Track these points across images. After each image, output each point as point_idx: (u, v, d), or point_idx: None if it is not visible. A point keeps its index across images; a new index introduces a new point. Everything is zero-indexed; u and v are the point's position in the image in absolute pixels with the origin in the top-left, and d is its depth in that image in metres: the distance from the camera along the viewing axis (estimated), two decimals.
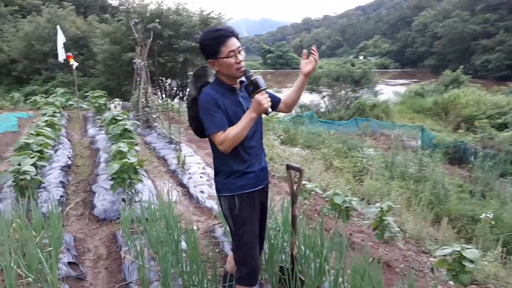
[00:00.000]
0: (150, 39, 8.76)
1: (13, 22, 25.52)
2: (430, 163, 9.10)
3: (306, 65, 2.16)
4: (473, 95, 20.18)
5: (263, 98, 1.84)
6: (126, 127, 5.31)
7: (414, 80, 45.52)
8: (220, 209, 2.25)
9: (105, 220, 3.64)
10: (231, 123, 1.90)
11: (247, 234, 2.06)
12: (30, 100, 12.93)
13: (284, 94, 2.30)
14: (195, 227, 3.60)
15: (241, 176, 2.01)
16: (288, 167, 2.35)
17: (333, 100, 21.36)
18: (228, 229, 2.17)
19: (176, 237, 2.92)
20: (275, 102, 2.20)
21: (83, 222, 3.63)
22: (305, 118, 15.73)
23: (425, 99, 23.17)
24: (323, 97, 21.73)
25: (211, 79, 2.04)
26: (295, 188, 2.34)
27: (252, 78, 1.86)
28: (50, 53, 18.86)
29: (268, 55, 74.22)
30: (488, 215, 5.78)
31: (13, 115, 9.89)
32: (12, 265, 2.09)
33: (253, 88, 1.84)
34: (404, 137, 13.36)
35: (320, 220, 4.04)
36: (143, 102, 8.68)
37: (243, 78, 1.95)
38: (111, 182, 3.89)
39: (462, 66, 28.67)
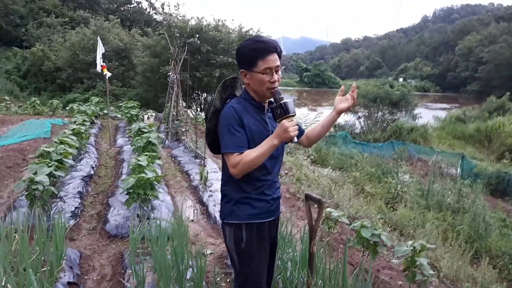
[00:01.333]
0: (185, 53, 8.80)
1: (62, 32, 26.94)
2: (470, 193, 8.51)
3: (341, 102, 1.95)
4: None
5: (290, 125, 1.64)
6: (150, 139, 5.23)
7: (455, 105, 43.94)
8: (223, 239, 1.94)
9: (116, 237, 3.48)
10: (253, 142, 1.72)
11: (253, 272, 1.81)
12: (67, 108, 13.33)
13: (310, 128, 2.10)
14: (209, 251, 3.39)
15: (251, 203, 1.79)
16: (307, 198, 2.06)
17: (369, 121, 20.80)
18: (230, 263, 1.93)
19: (184, 262, 2.71)
20: (299, 133, 1.97)
21: (94, 237, 3.50)
22: (339, 138, 15.33)
23: (466, 125, 22.15)
24: (359, 117, 21.22)
25: (238, 93, 1.86)
26: (314, 222, 2.05)
27: (282, 101, 1.67)
28: (93, 63, 19.53)
29: (305, 73, 74.15)
30: None
31: (48, 121, 10.14)
32: (2, 285, 1.94)
33: (280, 112, 1.65)
34: (443, 164, 12.66)
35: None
36: (173, 115, 8.68)
37: (272, 99, 1.75)
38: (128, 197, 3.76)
39: (508, 93, 27.23)
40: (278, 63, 1.72)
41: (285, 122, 1.62)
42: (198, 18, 16.02)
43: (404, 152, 13.96)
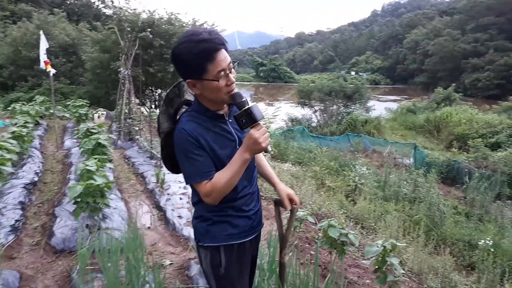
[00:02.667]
0: (136, 47, 8.35)
1: (2, 27, 25.08)
2: (425, 183, 8.78)
3: (285, 197, 1.73)
4: (465, 114, 20.08)
5: (260, 134, 1.38)
6: (100, 141, 4.84)
7: (404, 96, 45.82)
8: (198, 261, 1.75)
9: (64, 252, 3.13)
10: (219, 161, 1.46)
11: None
12: (9, 108, 12.34)
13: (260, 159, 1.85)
14: (168, 262, 3.15)
15: (231, 221, 1.56)
16: (277, 203, 1.88)
17: (325, 115, 21.11)
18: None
19: (140, 277, 2.46)
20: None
21: (37, 254, 3.12)
22: (296, 133, 15.40)
23: (417, 116, 23.07)
24: (315, 111, 21.49)
25: (188, 96, 1.57)
26: (284, 229, 1.87)
27: (247, 106, 1.39)
28: (37, 59, 18.30)
29: (261, 68, 74.39)
30: (487, 242, 5.44)
31: None
32: None
33: (246, 120, 1.38)
34: (397, 155, 13.06)
35: (312, 252, 3.63)
36: (126, 113, 8.22)
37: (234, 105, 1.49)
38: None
39: (453, 84, 28.73)
40: (229, 59, 1.42)
41: (254, 132, 1.38)
42: (149, 11, 15.42)
43: (360, 144, 14.26)
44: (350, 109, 20.95)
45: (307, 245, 3.82)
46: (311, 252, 3.61)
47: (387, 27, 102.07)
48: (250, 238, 1.64)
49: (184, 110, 1.55)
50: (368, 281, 3.20)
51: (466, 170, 10.69)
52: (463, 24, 64.03)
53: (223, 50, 1.39)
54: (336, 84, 21.50)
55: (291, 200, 1.76)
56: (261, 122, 1.42)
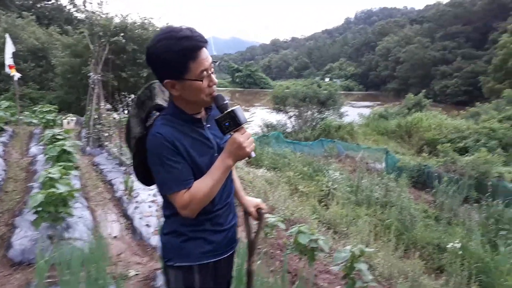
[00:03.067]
0: (106, 51, 8.17)
1: None
2: (396, 187, 8.94)
3: (249, 208, 1.67)
4: (435, 119, 20.71)
5: (245, 139, 1.31)
6: (65, 148, 4.68)
7: (377, 102, 46.87)
8: (164, 281, 1.54)
9: (22, 264, 2.96)
10: (197, 170, 1.34)
11: None
12: None
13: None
14: (133, 272, 3.04)
15: (206, 237, 1.43)
16: (246, 211, 1.83)
17: (299, 121, 21.27)
18: None
19: None
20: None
21: None
22: (272, 138, 15.44)
23: (389, 121, 23.60)
24: (290, 117, 21.63)
25: (160, 100, 1.43)
26: (253, 236, 1.81)
27: (230, 109, 1.31)
28: (4, 64, 17.73)
29: (237, 74, 74.59)
30: (455, 245, 5.57)
31: None
32: None
33: (230, 123, 1.30)
34: (369, 160, 13.28)
35: (282, 259, 3.59)
36: (95, 118, 8.01)
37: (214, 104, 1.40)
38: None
39: (424, 90, 29.59)
40: (211, 58, 1.32)
41: (238, 136, 1.30)
42: (122, 16, 15.18)
43: (333, 149, 14.42)
44: (324, 115, 21.20)
45: (278, 251, 3.79)
46: (282, 259, 3.58)
47: (360, 35, 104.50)
48: (226, 255, 1.52)
49: (157, 115, 1.41)
50: (338, 287, 3.20)
51: (436, 174, 10.96)
52: (433, 32, 66.31)
53: (205, 49, 1.30)
54: (310, 90, 21.73)
55: (259, 208, 1.72)
56: (245, 126, 1.35)
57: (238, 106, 1.34)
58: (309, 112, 21.24)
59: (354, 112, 26.58)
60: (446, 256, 5.57)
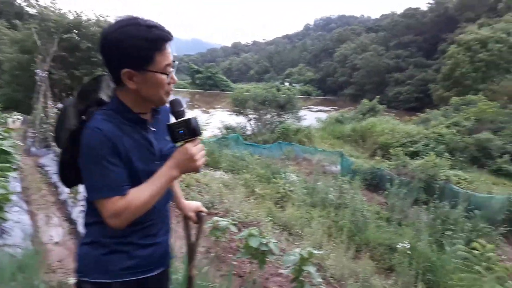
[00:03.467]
0: (54, 48, 7.77)
1: None
2: (350, 189, 9.15)
3: (189, 212, 1.59)
4: (388, 124, 21.52)
5: (197, 151, 1.21)
6: (3, 148, 4.36)
7: (334, 107, 48.07)
8: None
9: None
10: (135, 177, 1.21)
11: None
12: None
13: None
14: (73, 280, 2.86)
15: (130, 251, 1.27)
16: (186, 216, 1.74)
17: (259, 123, 21.37)
18: None
19: None
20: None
21: None
22: (231, 141, 15.36)
23: (344, 125, 24.23)
24: (250, 120, 21.68)
25: (104, 95, 1.27)
26: (193, 241, 1.73)
27: (187, 117, 1.22)
28: None
29: (197, 75, 73.83)
30: (405, 245, 5.75)
31: None
32: None
33: (185, 132, 1.21)
34: (325, 163, 13.56)
35: (235, 263, 3.53)
36: (42, 117, 7.58)
37: (164, 110, 1.31)
38: None
39: (378, 97, 30.71)
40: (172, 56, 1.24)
41: (191, 147, 1.20)
42: (76, 12, 14.56)
43: (291, 152, 14.59)
44: (283, 118, 21.43)
45: (230, 255, 3.73)
46: (234, 262, 3.52)
47: (319, 41, 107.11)
48: (155, 272, 1.35)
49: (96, 109, 1.25)
50: None
51: (388, 177, 11.35)
52: (387, 41, 69.15)
53: (169, 45, 1.21)
54: (269, 93, 21.89)
55: (199, 212, 1.64)
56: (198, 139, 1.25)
57: (196, 116, 1.25)
58: (268, 115, 21.40)
59: (312, 116, 27.10)
60: (396, 256, 5.74)
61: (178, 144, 1.23)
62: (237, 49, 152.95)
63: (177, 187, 1.62)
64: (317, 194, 8.87)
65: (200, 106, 44.92)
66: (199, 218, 1.65)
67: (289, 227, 6.08)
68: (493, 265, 2.85)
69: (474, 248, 2.97)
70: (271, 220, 5.81)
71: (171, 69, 1.22)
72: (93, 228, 1.27)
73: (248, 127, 21.52)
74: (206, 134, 14.46)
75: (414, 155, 15.76)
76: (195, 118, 1.23)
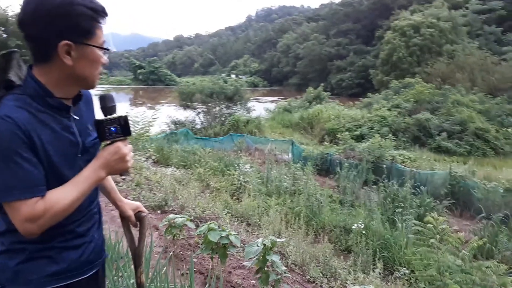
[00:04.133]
0: None
1: None
2: (303, 176, 9.28)
3: (128, 211, 1.41)
4: (333, 110, 22.20)
5: (128, 152, 1.11)
6: None
7: (281, 97, 48.69)
8: None
9: None
10: (53, 173, 1.05)
11: None
12: None
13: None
14: None
15: (54, 256, 1.11)
16: (124, 216, 1.55)
17: (208, 117, 21.11)
18: None
19: None
20: None
21: None
22: (180, 135, 15.00)
23: (292, 114, 24.66)
24: (198, 113, 21.35)
25: (14, 76, 1.05)
26: (136, 244, 1.54)
27: (122, 114, 1.12)
28: None
29: (139, 70, 71.34)
30: (359, 225, 5.92)
31: None
32: None
33: (117, 129, 1.11)
34: (277, 151, 13.68)
35: (195, 260, 3.40)
36: None
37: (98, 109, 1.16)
38: None
39: (322, 84, 31.53)
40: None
41: (123, 146, 1.10)
42: (1, 8, 13.43)
43: (243, 143, 14.56)
44: (232, 110, 21.35)
45: (189, 252, 3.58)
46: (194, 260, 3.39)
47: (262, 32, 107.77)
48: (87, 275, 1.21)
49: (5, 93, 1.05)
50: (253, 281, 3.11)
51: (337, 161, 11.67)
52: (327, 29, 71.03)
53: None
54: (216, 86, 21.69)
55: (139, 212, 1.48)
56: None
57: (126, 113, 1.15)
58: (217, 108, 21.21)
59: (260, 107, 27.25)
60: (352, 237, 5.90)
61: (105, 142, 1.12)
62: (179, 42, 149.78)
63: (111, 182, 1.45)
64: (272, 183, 8.92)
65: (145, 102, 43.51)
66: (140, 219, 1.48)
67: (247, 218, 6.03)
68: (447, 237, 2.96)
69: (428, 222, 3.06)
70: (228, 213, 5.71)
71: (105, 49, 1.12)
72: (7, 235, 1.09)
73: (198, 121, 21.19)
74: (154, 130, 14.00)
75: (360, 138, 16.38)
76: (127, 116, 1.14)
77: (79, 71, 1.07)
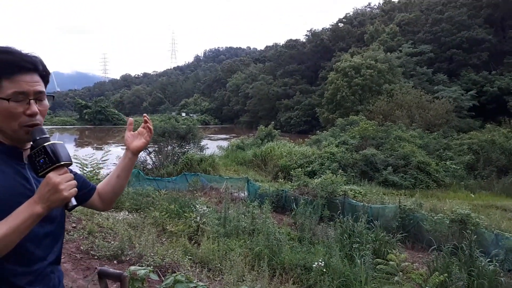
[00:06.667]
0: None
1: None
2: (261, 214, 9.24)
3: (135, 138, 1.44)
4: (285, 147, 22.67)
5: (62, 180, 1.06)
6: None
7: (233, 134, 49.14)
8: None
9: None
10: (3, 215, 1.02)
11: None
12: None
13: (102, 182, 1.49)
14: None
15: None
16: (102, 275, 1.46)
17: (160, 156, 20.63)
18: None
19: None
20: (86, 191, 1.34)
21: None
22: (131, 177, 14.47)
23: (245, 152, 24.81)
24: (150, 153, 20.81)
25: None
26: None
27: (46, 143, 1.09)
28: None
29: (85, 110, 69.03)
30: (320, 263, 5.94)
31: None
32: None
33: (45, 160, 1.08)
34: (233, 190, 13.58)
35: None
36: None
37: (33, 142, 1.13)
38: None
39: (273, 122, 32.28)
40: (41, 88, 1.15)
41: (53, 176, 1.06)
42: None
43: (197, 182, 14.32)
44: (185, 149, 21.09)
45: None
46: None
47: (210, 72, 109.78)
48: None
49: None
50: None
51: (293, 197, 11.80)
52: (274, 70, 73.79)
53: (34, 74, 1.15)
54: (168, 125, 21.42)
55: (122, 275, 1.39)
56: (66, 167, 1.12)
57: (62, 142, 1.14)
58: (170, 147, 20.84)
59: (213, 145, 27.20)
60: (312, 275, 5.88)
61: (41, 175, 1.11)
62: (127, 81, 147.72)
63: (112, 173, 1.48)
64: (230, 223, 8.78)
65: (91, 142, 41.90)
66: (121, 280, 1.41)
67: (207, 263, 5.85)
68: (409, 274, 3.06)
69: (390, 259, 3.15)
70: (189, 259, 5.51)
71: (30, 99, 1.13)
72: None
73: (149, 161, 20.62)
74: (104, 172, 13.41)
75: (312, 174, 16.76)
76: (58, 145, 1.12)
77: None
